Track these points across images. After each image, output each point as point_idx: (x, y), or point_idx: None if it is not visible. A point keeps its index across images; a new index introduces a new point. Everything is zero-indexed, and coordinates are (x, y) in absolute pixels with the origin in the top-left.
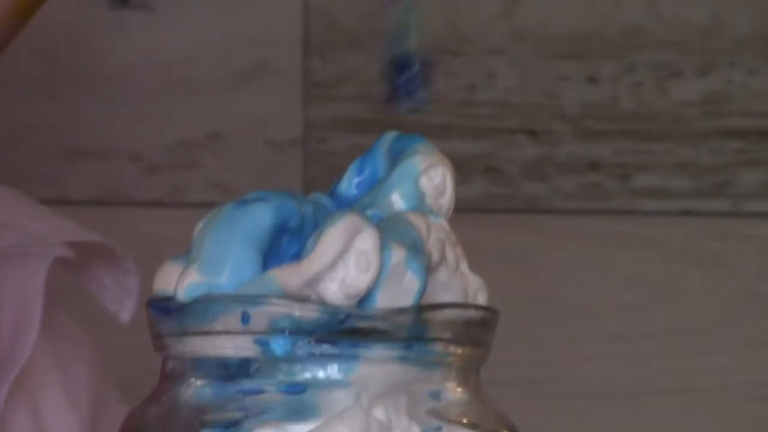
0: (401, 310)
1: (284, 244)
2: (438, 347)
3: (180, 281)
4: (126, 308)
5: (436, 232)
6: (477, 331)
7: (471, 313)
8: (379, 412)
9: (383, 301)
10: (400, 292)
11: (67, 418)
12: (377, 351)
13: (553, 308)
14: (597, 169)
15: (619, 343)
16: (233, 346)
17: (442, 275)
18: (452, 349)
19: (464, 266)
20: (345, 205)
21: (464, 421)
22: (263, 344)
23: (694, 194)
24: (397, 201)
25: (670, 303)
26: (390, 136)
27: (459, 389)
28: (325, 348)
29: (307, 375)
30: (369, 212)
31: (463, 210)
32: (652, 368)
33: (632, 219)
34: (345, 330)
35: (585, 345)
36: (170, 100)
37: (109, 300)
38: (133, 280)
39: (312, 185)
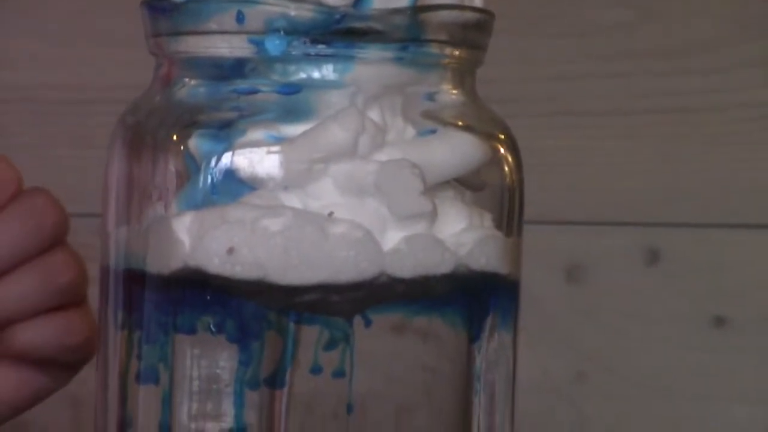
0: (397, 11)
1: None
2: (434, 48)
3: None
4: None
5: None
6: (473, 33)
7: (467, 15)
8: (374, 114)
9: (379, 1)
10: None
11: None
12: (373, 52)
13: (541, 27)
14: None
15: (608, 62)
16: (228, 46)
17: None
18: (448, 50)
19: None
20: None
21: (459, 123)
22: (258, 44)
23: None
24: None
25: (661, 21)
26: None
27: (454, 92)
28: (321, 48)
29: (302, 75)
30: None
31: None
32: (642, 88)
33: None
34: (341, 30)
35: (571, 64)
36: None
37: None
38: None
39: None
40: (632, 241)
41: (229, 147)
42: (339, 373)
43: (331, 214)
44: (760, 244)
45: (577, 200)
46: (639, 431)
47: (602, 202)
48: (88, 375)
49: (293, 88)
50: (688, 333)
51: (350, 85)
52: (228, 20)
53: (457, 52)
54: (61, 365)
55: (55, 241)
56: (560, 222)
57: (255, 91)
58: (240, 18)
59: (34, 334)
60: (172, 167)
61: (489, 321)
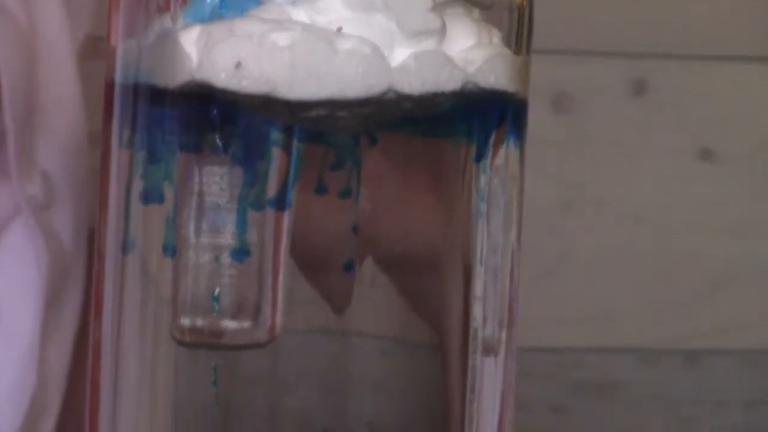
0: None
1: None
2: None
3: None
4: None
5: None
6: None
7: None
8: None
9: None
10: None
11: None
12: None
13: None
14: None
15: None
16: None
17: None
18: None
19: None
20: None
21: None
22: None
23: None
24: None
25: None
26: None
27: None
28: None
29: None
30: None
31: None
32: None
33: None
34: None
35: None
36: None
37: None
38: None
39: None
40: (620, 71)
41: None
42: (346, 193)
43: (339, 29)
44: (747, 76)
45: (565, 29)
46: (624, 262)
47: (590, 31)
48: None
49: None
50: (674, 165)
51: None
52: None
53: None
54: None
55: None
56: (547, 51)
57: None
58: None
59: None
60: None
61: (495, 139)
